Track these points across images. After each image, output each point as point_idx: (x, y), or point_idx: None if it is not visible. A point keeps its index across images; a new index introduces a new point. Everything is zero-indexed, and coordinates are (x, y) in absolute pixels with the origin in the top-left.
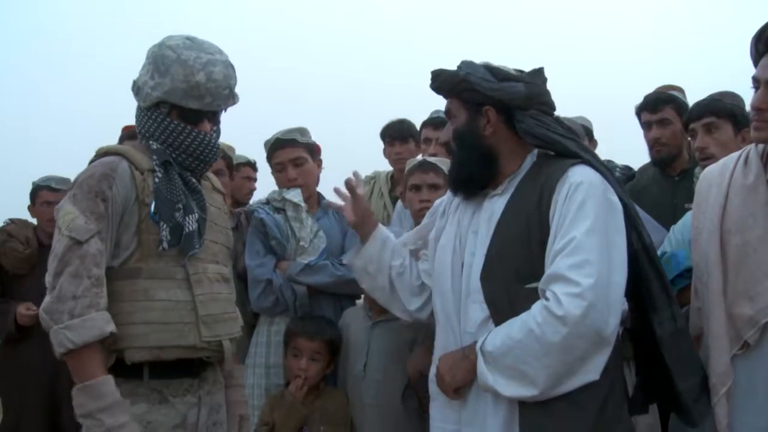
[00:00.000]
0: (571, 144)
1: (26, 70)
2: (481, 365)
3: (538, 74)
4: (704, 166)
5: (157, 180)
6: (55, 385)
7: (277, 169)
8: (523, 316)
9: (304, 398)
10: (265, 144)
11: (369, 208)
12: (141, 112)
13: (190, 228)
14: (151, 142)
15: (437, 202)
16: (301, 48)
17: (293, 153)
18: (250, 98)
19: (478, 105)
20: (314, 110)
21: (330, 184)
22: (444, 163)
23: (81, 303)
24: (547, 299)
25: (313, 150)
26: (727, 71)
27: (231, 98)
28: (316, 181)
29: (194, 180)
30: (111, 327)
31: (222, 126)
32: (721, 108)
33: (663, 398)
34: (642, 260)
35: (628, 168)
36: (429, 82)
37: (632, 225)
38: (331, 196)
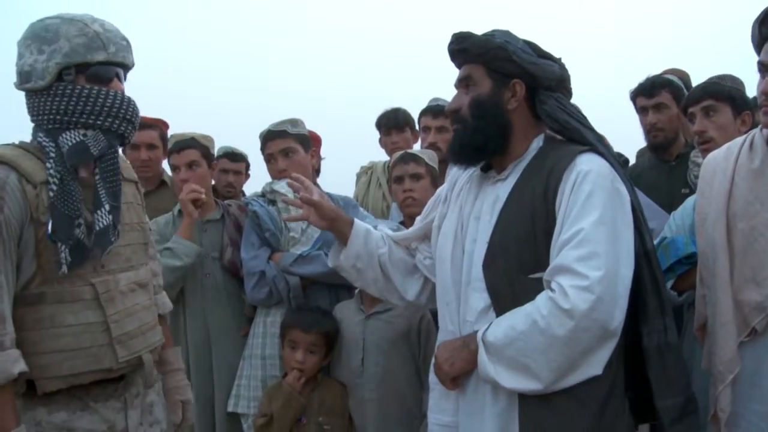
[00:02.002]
0: (589, 134)
1: None
2: (483, 356)
3: (562, 62)
4: (703, 150)
5: (52, 194)
6: None
7: (268, 160)
8: (527, 307)
9: (302, 389)
10: (259, 136)
11: (334, 208)
12: (39, 97)
13: (103, 224)
14: (45, 144)
15: (439, 189)
16: (299, 41)
17: (282, 144)
18: (247, 90)
19: (507, 76)
20: (313, 103)
21: (330, 176)
22: (425, 153)
23: None
24: (552, 291)
25: (306, 141)
26: (729, 55)
27: (130, 52)
28: (310, 172)
29: (113, 166)
30: (20, 367)
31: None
32: (719, 91)
33: (642, 412)
34: (641, 265)
35: (620, 155)
36: (450, 44)
37: (636, 227)
38: (330, 188)
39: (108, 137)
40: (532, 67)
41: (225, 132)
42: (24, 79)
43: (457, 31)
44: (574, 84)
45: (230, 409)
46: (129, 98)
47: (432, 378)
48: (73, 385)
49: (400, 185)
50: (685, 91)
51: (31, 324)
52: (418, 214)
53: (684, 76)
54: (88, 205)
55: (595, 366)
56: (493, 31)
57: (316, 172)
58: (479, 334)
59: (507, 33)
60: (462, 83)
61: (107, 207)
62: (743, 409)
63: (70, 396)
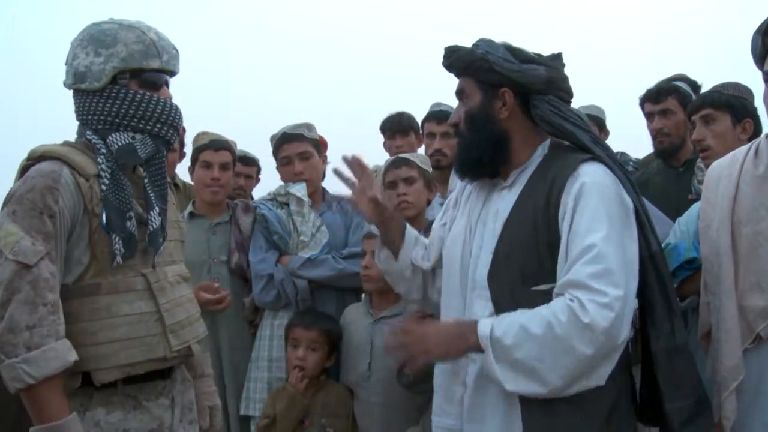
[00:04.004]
0: (585, 136)
1: None
2: (489, 356)
3: (557, 59)
4: (703, 158)
5: (104, 187)
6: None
7: (283, 163)
8: (542, 310)
9: (305, 391)
10: (272, 139)
11: (389, 206)
12: (92, 98)
13: (155, 225)
14: (95, 142)
15: (452, 195)
16: (302, 41)
17: (300, 147)
18: (249, 91)
19: (495, 86)
20: (315, 104)
21: (333, 180)
22: (417, 156)
23: (38, 333)
24: (571, 301)
25: (319, 146)
26: (743, 59)
27: (178, 60)
28: (321, 177)
29: (161, 170)
30: (73, 356)
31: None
32: (717, 100)
33: (652, 415)
34: (647, 269)
35: (639, 162)
36: (442, 59)
37: (641, 230)
38: (336, 190)
39: (156, 142)
40: (516, 75)
41: (229, 134)
42: (78, 79)
43: (447, 45)
44: (602, 90)
45: (242, 412)
46: (176, 106)
47: (436, 380)
48: (127, 381)
49: (394, 190)
50: (693, 97)
51: (88, 314)
52: (413, 217)
53: (692, 83)
54: (138, 200)
55: (598, 378)
56: (478, 41)
57: (322, 176)
58: (486, 331)
59: (489, 42)
60: (458, 96)
61: (157, 209)
62: (748, 417)
63: (124, 395)
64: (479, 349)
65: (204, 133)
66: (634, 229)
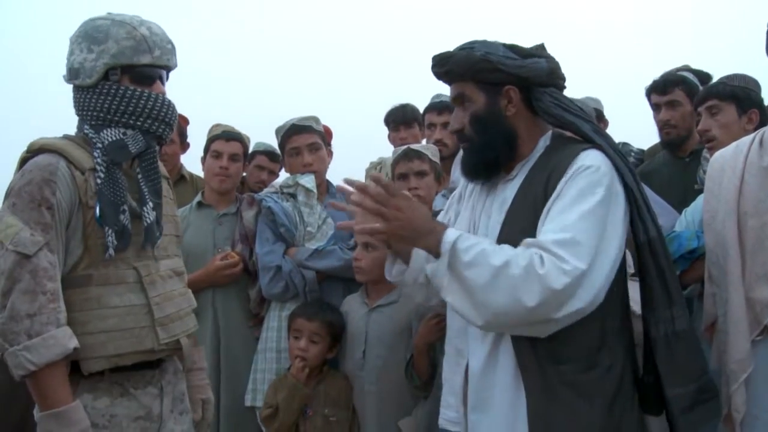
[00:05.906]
0: (586, 126)
1: None
2: (444, 263)
3: (543, 49)
4: (709, 149)
5: (99, 181)
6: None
7: (292, 154)
8: (508, 249)
9: (307, 381)
10: (278, 130)
11: None
12: (86, 94)
13: (149, 219)
14: (92, 136)
15: (456, 191)
16: (303, 33)
17: (310, 138)
18: (249, 84)
19: (497, 85)
20: (318, 96)
21: (337, 171)
22: (428, 149)
23: (38, 320)
24: (535, 253)
25: (325, 138)
26: (749, 51)
27: (174, 54)
28: (327, 169)
29: (153, 165)
30: (74, 343)
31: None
32: (722, 91)
33: (653, 403)
34: (644, 254)
35: (643, 152)
36: (432, 67)
37: (639, 215)
38: (338, 182)
39: (146, 138)
40: (521, 71)
41: (236, 127)
42: (73, 75)
43: (435, 54)
44: (595, 82)
45: (248, 403)
46: (169, 101)
47: (443, 374)
48: (115, 370)
49: (405, 182)
50: (699, 87)
51: (79, 305)
52: None
53: (702, 74)
54: (133, 194)
55: (539, 332)
56: (471, 43)
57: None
58: (451, 238)
59: (485, 43)
60: (457, 101)
61: (151, 204)
62: (757, 409)
63: (112, 383)
64: (434, 253)
65: (218, 125)
66: (621, 218)
